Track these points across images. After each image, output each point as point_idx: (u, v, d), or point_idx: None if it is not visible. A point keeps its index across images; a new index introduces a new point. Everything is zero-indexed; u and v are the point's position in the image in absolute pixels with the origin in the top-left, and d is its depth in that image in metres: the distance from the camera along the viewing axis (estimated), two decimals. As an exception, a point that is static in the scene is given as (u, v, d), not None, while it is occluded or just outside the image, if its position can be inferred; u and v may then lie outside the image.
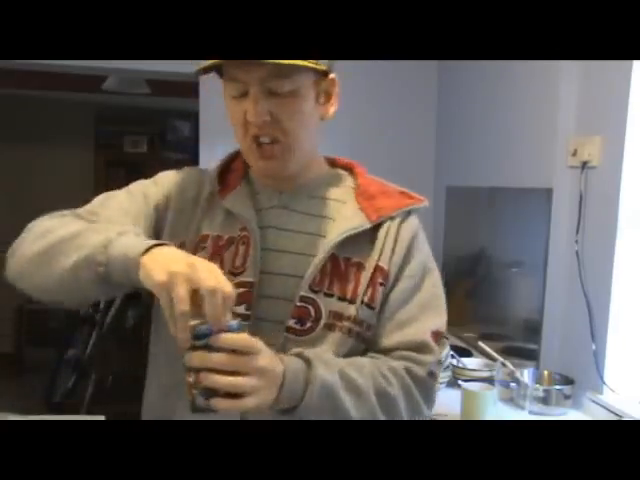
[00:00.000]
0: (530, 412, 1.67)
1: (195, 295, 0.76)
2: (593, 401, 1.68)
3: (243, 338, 0.80)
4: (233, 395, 0.80)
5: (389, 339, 0.99)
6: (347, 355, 0.96)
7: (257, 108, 0.92)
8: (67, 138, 4.78)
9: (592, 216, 1.75)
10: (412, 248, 1.01)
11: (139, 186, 1.07)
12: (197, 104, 2.63)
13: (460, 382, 1.72)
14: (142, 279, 0.79)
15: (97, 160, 4.86)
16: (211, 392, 0.79)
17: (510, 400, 1.74)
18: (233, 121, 0.98)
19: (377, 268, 0.98)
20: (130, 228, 0.91)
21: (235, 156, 1.09)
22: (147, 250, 0.81)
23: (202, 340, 0.78)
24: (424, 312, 1.01)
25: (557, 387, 1.70)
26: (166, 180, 1.07)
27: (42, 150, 4.72)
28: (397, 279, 0.99)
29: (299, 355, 0.90)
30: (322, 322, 0.95)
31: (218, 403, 0.79)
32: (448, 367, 1.88)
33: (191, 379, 0.79)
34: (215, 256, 0.98)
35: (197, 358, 0.78)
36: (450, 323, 2.84)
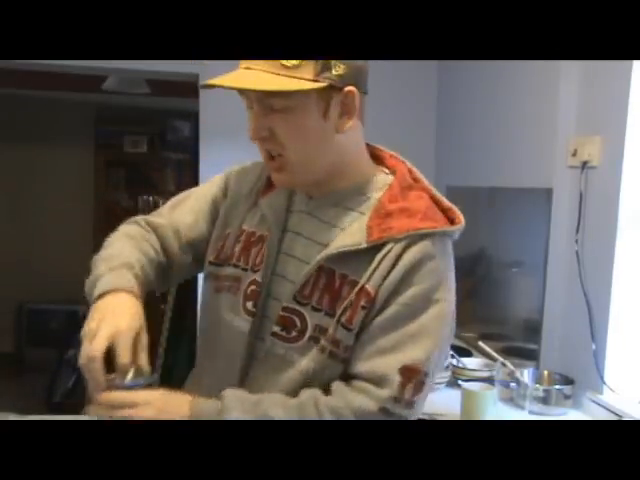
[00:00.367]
0: (530, 412, 1.67)
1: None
2: (593, 401, 1.68)
3: (119, 396, 0.88)
4: None
5: (357, 366, 0.93)
6: (325, 374, 0.95)
7: (254, 125, 0.94)
8: (67, 138, 4.78)
9: (592, 216, 1.75)
10: (412, 275, 0.91)
11: (208, 184, 1.15)
12: (197, 104, 2.63)
13: (460, 382, 1.72)
14: None
15: (97, 160, 4.86)
16: None
17: (510, 400, 1.74)
18: None
19: (362, 290, 0.92)
20: (130, 262, 1.00)
21: None
22: (103, 294, 0.94)
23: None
24: (407, 344, 0.91)
25: (557, 387, 1.70)
26: (229, 174, 1.14)
27: (42, 150, 4.71)
28: (386, 305, 0.92)
29: (220, 396, 0.93)
30: (307, 334, 0.95)
31: None
32: (448, 367, 1.88)
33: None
34: (244, 251, 1.03)
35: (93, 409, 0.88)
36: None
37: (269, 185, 1.06)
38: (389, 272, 0.92)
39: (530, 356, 1.94)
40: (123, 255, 1.02)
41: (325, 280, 0.95)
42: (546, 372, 1.81)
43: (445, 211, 1.00)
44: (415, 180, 1.03)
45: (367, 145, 1.06)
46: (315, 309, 0.95)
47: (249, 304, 1.00)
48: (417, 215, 0.95)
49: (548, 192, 1.89)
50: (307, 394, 0.93)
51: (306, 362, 0.95)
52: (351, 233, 0.96)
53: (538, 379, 1.79)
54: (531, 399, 1.67)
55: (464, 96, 2.58)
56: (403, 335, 0.91)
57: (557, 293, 1.88)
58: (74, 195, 4.84)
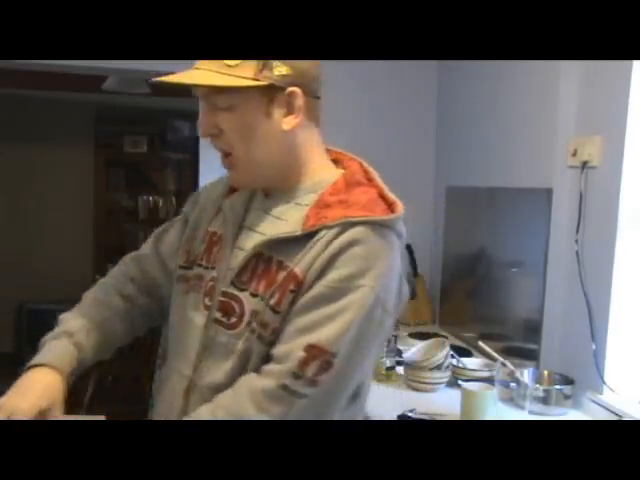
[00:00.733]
0: (530, 412, 1.67)
1: None
2: (593, 401, 1.68)
3: None
4: None
5: (275, 347, 0.95)
6: (259, 358, 0.96)
7: (202, 122, 1.00)
8: (67, 138, 4.78)
9: (592, 216, 1.75)
10: (338, 259, 0.93)
11: (184, 208, 1.22)
12: (197, 104, 2.62)
13: (460, 382, 1.72)
14: None
15: (97, 160, 4.86)
16: None
17: (510, 400, 1.74)
18: None
19: (291, 273, 0.95)
20: (71, 329, 1.11)
21: None
22: (30, 367, 1.04)
23: None
24: (320, 324, 0.92)
25: (557, 387, 1.70)
26: (204, 186, 1.22)
27: (42, 150, 4.72)
28: (310, 287, 0.94)
29: None
30: (245, 320, 0.98)
31: None
32: (448, 367, 1.88)
33: None
34: (208, 250, 1.08)
35: None
36: (450, 323, 2.84)
37: (234, 189, 1.11)
38: (318, 256, 0.94)
39: (530, 356, 1.94)
40: (69, 323, 1.13)
41: (263, 266, 0.99)
42: (546, 372, 1.81)
43: (390, 205, 1.01)
44: (369, 180, 1.05)
45: (328, 150, 1.10)
46: (253, 295, 0.98)
47: (207, 299, 1.04)
48: (354, 206, 0.97)
49: (548, 192, 1.89)
50: (224, 395, 0.96)
51: (243, 348, 0.97)
52: (290, 223, 0.99)
53: (538, 379, 1.79)
54: (531, 399, 1.67)
55: (464, 96, 2.58)
56: (319, 316, 0.92)
57: (557, 293, 1.88)
58: (74, 195, 4.84)
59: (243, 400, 0.93)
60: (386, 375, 1.93)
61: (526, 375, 1.76)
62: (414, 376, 1.86)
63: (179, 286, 1.11)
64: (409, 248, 2.80)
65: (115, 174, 4.95)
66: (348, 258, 0.93)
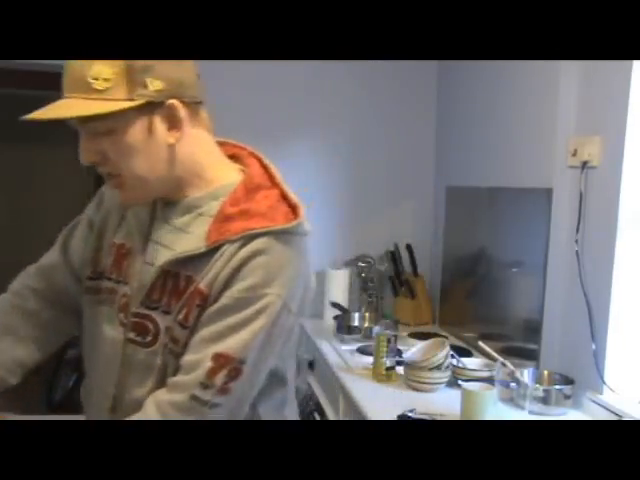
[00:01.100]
0: (530, 412, 1.67)
1: None
2: (593, 401, 1.68)
3: None
4: None
5: (182, 359, 0.95)
6: (173, 373, 0.96)
7: (83, 149, 0.97)
8: (67, 138, 4.75)
9: (592, 216, 1.75)
10: (241, 271, 0.94)
11: (89, 205, 1.18)
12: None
13: (460, 382, 1.72)
14: None
15: (97, 160, 4.86)
16: None
17: (510, 400, 1.74)
18: None
19: (197, 289, 0.96)
20: None
21: None
22: None
23: None
24: (225, 334, 0.93)
25: (557, 387, 1.70)
26: (102, 192, 1.17)
27: (42, 150, 4.71)
28: (216, 300, 0.95)
29: None
30: (160, 337, 0.98)
31: None
32: (448, 367, 1.88)
33: None
34: (116, 264, 1.06)
35: None
36: (450, 323, 2.84)
37: None
38: (222, 270, 0.95)
39: (530, 356, 1.94)
40: None
41: (172, 283, 0.98)
42: (546, 372, 1.81)
43: (292, 207, 1.01)
44: (270, 177, 1.04)
45: (225, 145, 1.08)
46: (165, 312, 0.98)
47: (121, 315, 1.03)
48: (255, 217, 0.96)
49: (548, 192, 1.89)
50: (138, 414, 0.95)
51: (161, 363, 0.98)
52: (194, 238, 0.98)
53: (538, 379, 1.79)
54: (531, 399, 1.67)
55: (464, 96, 2.58)
56: (224, 326, 0.93)
57: (557, 293, 1.88)
58: (74, 195, 4.83)
59: (151, 416, 0.92)
60: (386, 375, 1.94)
61: (526, 375, 1.76)
62: (414, 376, 1.86)
63: (89, 297, 1.09)
64: (409, 248, 2.80)
65: (115, 174, 4.95)
66: (252, 269, 0.93)
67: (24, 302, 1.14)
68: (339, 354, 2.24)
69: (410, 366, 1.89)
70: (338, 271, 2.69)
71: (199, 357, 0.92)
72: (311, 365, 2.51)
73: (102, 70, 0.89)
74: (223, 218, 0.98)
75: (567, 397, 1.68)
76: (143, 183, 0.98)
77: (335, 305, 2.58)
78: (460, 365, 1.93)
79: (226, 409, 0.93)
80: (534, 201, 1.98)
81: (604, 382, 1.67)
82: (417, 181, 2.87)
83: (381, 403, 1.75)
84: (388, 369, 1.94)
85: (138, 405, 0.97)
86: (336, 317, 2.52)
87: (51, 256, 1.17)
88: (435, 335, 2.20)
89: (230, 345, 0.92)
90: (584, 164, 1.75)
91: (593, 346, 1.69)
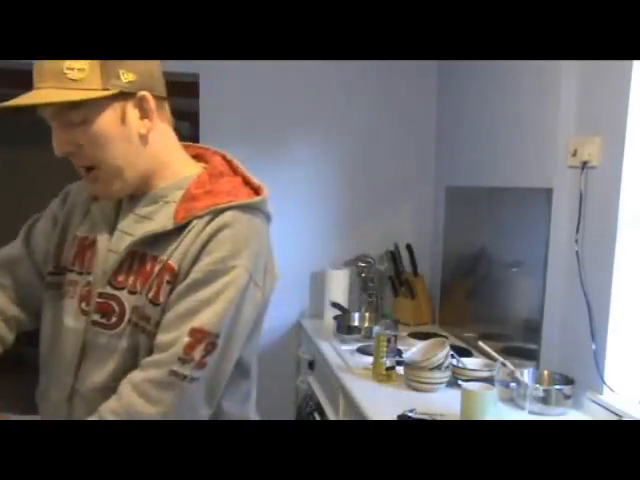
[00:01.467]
0: (530, 412, 1.67)
1: None
2: (593, 401, 1.68)
3: None
4: None
5: (157, 337, 0.96)
6: (144, 352, 0.98)
7: (57, 141, 0.99)
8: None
9: (592, 216, 1.75)
10: (210, 244, 0.96)
11: (53, 201, 1.19)
12: (197, 104, 2.63)
13: (460, 382, 1.72)
14: None
15: (97, 160, 4.86)
16: None
17: (510, 400, 1.74)
18: None
19: (166, 266, 0.98)
20: None
21: None
22: None
23: None
24: (199, 308, 0.95)
25: (557, 387, 1.70)
26: (72, 184, 1.19)
27: (42, 150, 4.70)
28: (186, 276, 0.97)
29: None
30: (126, 317, 0.99)
31: None
32: (448, 367, 1.88)
33: None
34: (79, 255, 1.08)
35: None
36: (450, 323, 2.84)
37: None
38: (191, 245, 0.97)
39: (530, 356, 1.94)
40: None
41: (138, 263, 1.00)
42: (546, 372, 1.81)
43: (255, 189, 1.05)
44: (234, 170, 1.08)
45: (189, 146, 1.12)
46: (131, 292, 1.00)
47: (83, 304, 1.04)
48: (220, 194, 1.00)
49: (548, 192, 1.89)
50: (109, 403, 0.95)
51: (128, 345, 0.99)
52: (160, 220, 1.01)
53: (538, 379, 1.79)
54: (531, 399, 1.67)
55: (464, 96, 2.58)
56: (198, 300, 0.95)
57: (557, 293, 1.88)
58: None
59: (129, 397, 0.93)
60: (386, 375, 1.94)
61: (526, 375, 1.76)
62: (414, 376, 1.86)
63: (51, 293, 1.10)
64: (409, 248, 2.80)
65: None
66: (220, 242, 0.96)
67: None
68: (339, 354, 2.24)
69: (410, 366, 1.89)
70: (338, 271, 2.69)
71: (176, 334, 0.94)
72: (311, 365, 2.51)
73: (77, 61, 0.92)
74: (189, 198, 1.01)
75: (567, 397, 1.68)
76: (118, 174, 1.01)
77: (335, 305, 2.58)
78: (460, 365, 1.93)
79: (203, 383, 0.95)
80: (534, 201, 1.98)
81: (604, 382, 1.67)
82: (417, 181, 2.87)
83: (381, 403, 1.75)
84: (388, 369, 1.94)
85: (96, 391, 0.98)
86: (336, 317, 2.52)
87: (13, 251, 1.17)
88: (435, 335, 2.20)
89: (205, 319, 0.94)
90: (584, 164, 1.75)
91: (593, 346, 1.69)
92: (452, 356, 1.91)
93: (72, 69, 0.92)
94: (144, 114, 1.00)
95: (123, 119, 0.98)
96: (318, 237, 2.79)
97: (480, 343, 1.87)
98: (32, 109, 0.95)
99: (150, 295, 0.98)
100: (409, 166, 2.85)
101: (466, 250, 2.52)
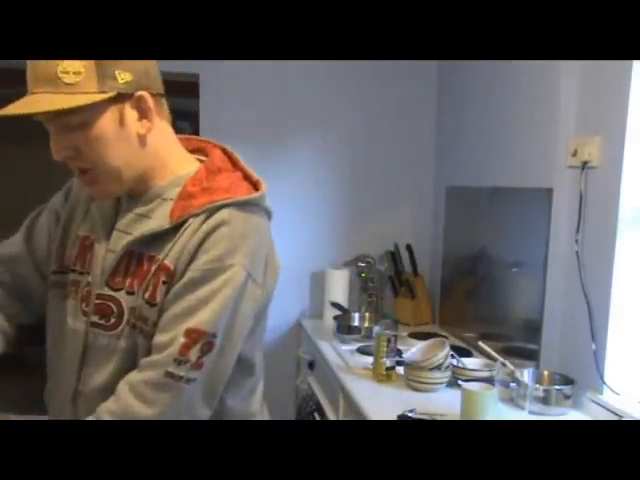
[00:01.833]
0: (530, 412, 1.67)
1: None
2: (593, 401, 1.68)
3: None
4: None
5: (155, 337, 0.96)
6: (143, 353, 0.98)
7: (55, 146, 0.97)
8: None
9: (592, 216, 1.75)
10: (206, 242, 0.95)
11: (55, 196, 1.19)
12: (197, 104, 2.64)
13: (460, 382, 1.72)
14: None
15: (97, 160, 4.86)
16: None
17: (510, 400, 1.74)
18: None
19: (161, 265, 0.97)
20: None
21: None
22: None
23: None
24: (196, 308, 0.94)
25: (557, 387, 1.70)
26: (74, 180, 1.16)
27: (42, 150, 4.70)
28: (182, 275, 0.96)
29: None
30: (125, 318, 0.99)
31: None
32: (448, 367, 1.88)
33: None
34: (81, 256, 1.07)
35: None
36: (450, 323, 2.84)
37: None
38: (187, 244, 0.96)
39: (530, 356, 1.94)
40: None
41: (135, 264, 1.00)
42: (546, 372, 1.81)
43: (254, 184, 1.04)
44: (232, 162, 1.07)
45: (189, 139, 1.11)
46: (129, 292, 0.99)
47: (84, 305, 1.04)
48: (217, 191, 0.99)
49: (548, 192, 1.89)
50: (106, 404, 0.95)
51: (126, 345, 0.99)
52: (158, 219, 1.00)
53: (538, 379, 1.79)
54: (531, 399, 1.67)
55: (464, 96, 2.58)
56: (194, 300, 0.94)
57: (557, 293, 1.88)
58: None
59: (126, 398, 0.93)
60: (386, 375, 1.94)
61: (526, 375, 1.76)
62: (414, 376, 1.86)
63: (55, 292, 1.10)
64: (409, 248, 2.80)
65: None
66: (216, 240, 0.95)
67: None
68: (339, 354, 2.24)
69: (410, 366, 1.89)
70: (338, 271, 2.69)
71: (172, 335, 0.93)
72: (311, 365, 2.51)
73: (71, 64, 0.90)
74: (186, 196, 1.00)
75: (567, 397, 1.68)
76: (117, 175, 1.00)
77: (335, 305, 2.58)
78: (460, 365, 1.93)
79: (201, 384, 0.94)
80: (534, 201, 1.98)
81: (604, 382, 1.67)
82: (417, 181, 2.87)
83: (381, 403, 1.75)
84: (388, 369, 1.94)
85: (98, 392, 0.98)
86: (336, 317, 2.52)
87: (13, 246, 1.15)
88: (435, 335, 2.20)
89: (201, 319, 0.93)
90: (584, 164, 1.75)
91: (593, 346, 1.69)
92: (452, 356, 1.91)
93: (67, 72, 0.90)
94: (142, 114, 0.98)
95: (122, 121, 0.97)
96: (318, 237, 2.79)
97: (480, 343, 1.87)
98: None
99: (146, 296, 0.97)
100: (409, 166, 2.85)
101: (466, 250, 2.52)
